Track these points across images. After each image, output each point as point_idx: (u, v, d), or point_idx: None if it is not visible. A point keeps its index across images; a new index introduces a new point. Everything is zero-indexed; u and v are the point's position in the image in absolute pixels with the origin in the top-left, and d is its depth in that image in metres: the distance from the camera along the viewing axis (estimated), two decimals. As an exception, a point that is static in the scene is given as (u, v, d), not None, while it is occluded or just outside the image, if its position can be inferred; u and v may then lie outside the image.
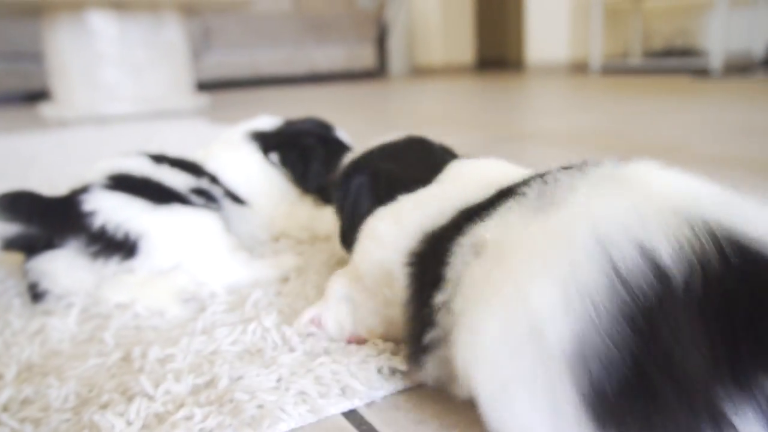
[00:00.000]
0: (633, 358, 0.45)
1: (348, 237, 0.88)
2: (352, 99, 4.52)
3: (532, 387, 0.49)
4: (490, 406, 0.53)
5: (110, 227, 0.96)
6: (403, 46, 8.87)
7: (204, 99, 4.29)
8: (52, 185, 1.81)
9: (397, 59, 8.77)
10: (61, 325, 0.87)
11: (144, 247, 0.97)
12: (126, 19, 3.91)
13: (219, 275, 0.99)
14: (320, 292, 0.92)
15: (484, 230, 0.60)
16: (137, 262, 0.97)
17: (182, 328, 0.86)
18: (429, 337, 0.62)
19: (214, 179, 1.15)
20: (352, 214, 0.88)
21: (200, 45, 6.23)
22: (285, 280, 1.01)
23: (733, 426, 0.44)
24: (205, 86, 5.92)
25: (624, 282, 0.46)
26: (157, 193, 1.03)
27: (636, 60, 6.21)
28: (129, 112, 3.93)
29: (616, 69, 6.19)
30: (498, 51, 9.85)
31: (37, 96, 5.63)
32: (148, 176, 1.06)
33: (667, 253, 0.47)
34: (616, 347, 0.45)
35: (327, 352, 0.77)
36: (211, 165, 1.18)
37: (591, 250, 0.48)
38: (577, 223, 0.51)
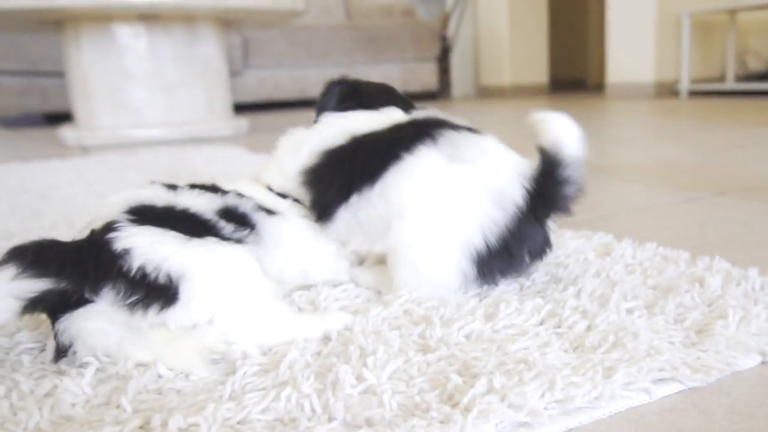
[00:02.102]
0: (503, 240, 1.10)
1: None
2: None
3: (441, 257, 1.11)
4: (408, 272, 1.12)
5: (150, 268, 0.95)
6: (467, 64, 8.88)
7: (243, 122, 4.33)
8: (68, 222, 1.84)
9: (460, 79, 8.80)
10: (74, 387, 0.88)
11: (184, 293, 0.97)
12: (156, 33, 3.96)
13: (253, 332, 1.00)
14: (364, 356, 0.92)
15: (417, 162, 1.13)
16: (175, 312, 0.97)
17: (209, 393, 0.87)
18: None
19: (240, 194, 1.16)
20: None
21: (239, 61, 6.28)
22: (326, 339, 1.02)
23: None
24: (244, 108, 5.97)
25: (504, 214, 1.09)
26: (186, 223, 1.05)
27: (730, 82, 6.15)
28: (158, 137, 3.97)
29: (708, 92, 6.14)
30: (575, 71, 9.82)
31: (57, 117, 5.72)
32: (170, 204, 1.08)
33: (519, 197, 1.10)
34: (496, 238, 1.10)
35: (369, 422, 0.77)
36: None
37: (487, 199, 1.10)
38: (480, 179, 1.11)
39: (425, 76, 7.68)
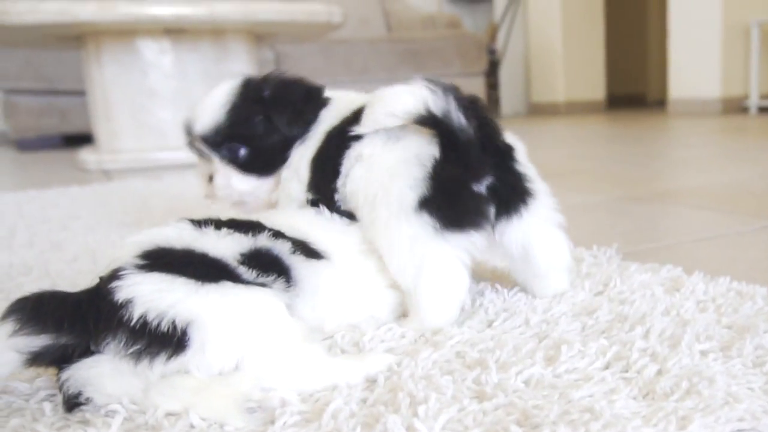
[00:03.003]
0: (435, 188, 1.20)
1: None
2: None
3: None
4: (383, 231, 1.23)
5: (152, 317, 0.95)
6: (518, 79, 8.87)
7: (274, 144, 4.32)
8: (91, 253, 1.85)
9: (510, 95, 8.79)
10: (100, 439, 0.88)
11: (195, 340, 0.96)
12: (183, 49, 3.98)
13: (289, 377, 0.99)
14: (414, 403, 0.91)
15: (362, 147, 1.29)
16: (188, 359, 0.97)
17: (245, 445, 0.86)
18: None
19: (278, 233, 1.16)
20: None
21: (271, 78, 6.28)
22: (372, 384, 1.01)
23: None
24: (276, 128, 5.98)
25: (424, 168, 1.21)
26: (202, 268, 1.04)
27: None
28: (185, 161, 3.96)
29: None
30: (634, 86, 9.79)
31: (76, 139, 5.77)
32: (189, 246, 1.08)
33: (435, 152, 1.22)
34: (427, 187, 1.20)
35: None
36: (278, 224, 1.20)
37: (407, 162, 1.22)
38: (409, 150, 1.24)
39: (472, 93, 7.66)
